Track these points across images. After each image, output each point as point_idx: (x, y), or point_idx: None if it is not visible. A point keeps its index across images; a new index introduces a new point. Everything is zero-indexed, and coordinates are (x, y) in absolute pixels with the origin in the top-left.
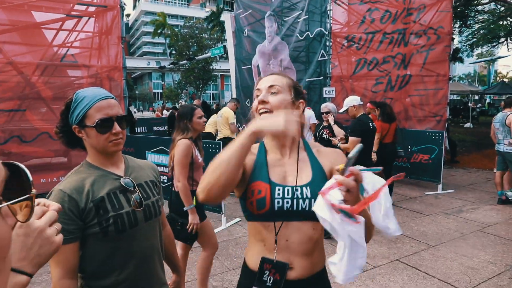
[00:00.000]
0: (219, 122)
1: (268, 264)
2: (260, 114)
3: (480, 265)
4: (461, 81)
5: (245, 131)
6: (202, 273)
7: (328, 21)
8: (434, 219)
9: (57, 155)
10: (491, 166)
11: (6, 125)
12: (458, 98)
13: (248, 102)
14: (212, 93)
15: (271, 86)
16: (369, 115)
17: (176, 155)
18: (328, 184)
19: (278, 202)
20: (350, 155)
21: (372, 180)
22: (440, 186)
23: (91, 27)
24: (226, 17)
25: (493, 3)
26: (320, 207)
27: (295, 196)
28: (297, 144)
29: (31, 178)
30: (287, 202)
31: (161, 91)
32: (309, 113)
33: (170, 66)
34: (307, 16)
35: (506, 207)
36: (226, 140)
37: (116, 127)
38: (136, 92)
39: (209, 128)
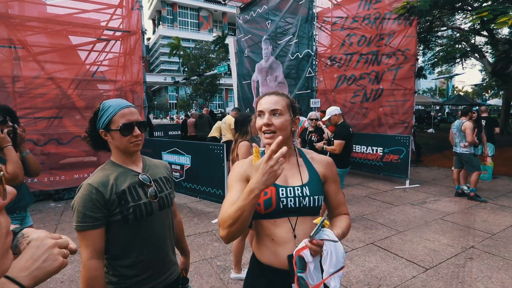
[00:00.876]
0: (223, 128)
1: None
2: (264, 133)
3: (440, 247)
4: (424, 94)
5: (251, 191)
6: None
7: (314, 44)
8: (403, 209)
9: (88, 155)
10: (449, 165)
11: (46, 130)
12: (422, 108)
13: (248, 111)
14: (218, 104)
15: (273, 110)
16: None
17: (241, 155)
18: (301, 245)
19: (283, 201)
20: (315, 230)
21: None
22: (407, 182)
23: (118, 49)
24: (230, 41)
25: (450, 30)
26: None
27: (297, 195)
28: (292, 151)
29: None
30: (291, 201)
31: (176, 101)
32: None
33: (183, 81)
34: (297, 40)
35: (462, 199)
36: (229, 143)
37: (136, 131)
38: (155, 102)
39: (214, 132)
